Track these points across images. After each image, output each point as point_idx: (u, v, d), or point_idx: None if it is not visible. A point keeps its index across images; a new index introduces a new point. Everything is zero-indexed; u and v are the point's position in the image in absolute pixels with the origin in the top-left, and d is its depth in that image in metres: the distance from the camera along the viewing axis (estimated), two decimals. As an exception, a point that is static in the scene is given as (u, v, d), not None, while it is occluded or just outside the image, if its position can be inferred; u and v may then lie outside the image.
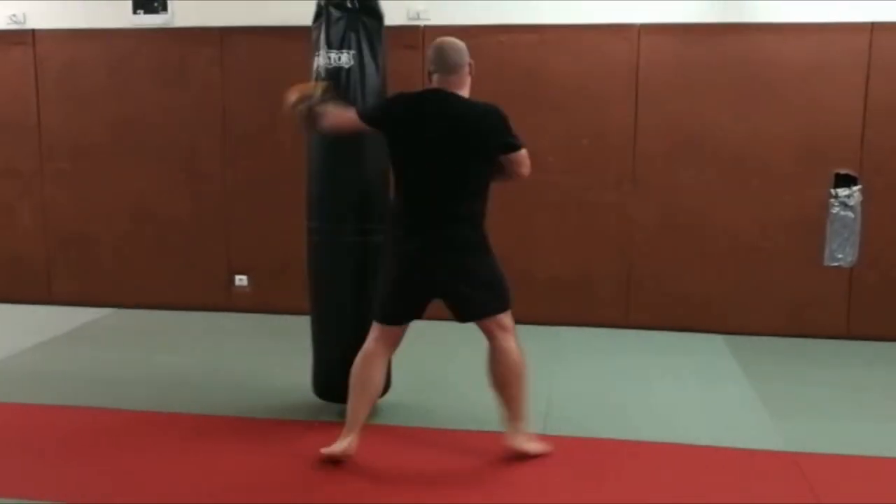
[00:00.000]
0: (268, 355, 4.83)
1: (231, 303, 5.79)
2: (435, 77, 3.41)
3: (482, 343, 3.49)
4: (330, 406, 3.88)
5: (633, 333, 5.42)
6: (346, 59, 3.74)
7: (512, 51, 5.43)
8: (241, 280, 5.84)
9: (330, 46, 3.75)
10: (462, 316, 3.45)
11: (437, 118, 3.32)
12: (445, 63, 3.39)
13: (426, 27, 5.42)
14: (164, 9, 5.75)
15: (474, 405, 3.99)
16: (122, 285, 5.97)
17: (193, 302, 5.83)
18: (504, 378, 3.44)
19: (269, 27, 5.62)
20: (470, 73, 3.45)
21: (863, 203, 5.19)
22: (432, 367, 4.68)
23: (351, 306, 3.80)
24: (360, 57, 3.76)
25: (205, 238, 5.86)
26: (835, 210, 5.22)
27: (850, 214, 5.20)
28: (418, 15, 5.44)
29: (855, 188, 5.18)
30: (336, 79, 3.70)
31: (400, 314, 3.47)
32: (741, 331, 5.37)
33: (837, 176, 5.20)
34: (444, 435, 3.76)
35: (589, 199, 5.48)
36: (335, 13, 3.77)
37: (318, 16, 3.89)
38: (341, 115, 3.46)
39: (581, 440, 3.71)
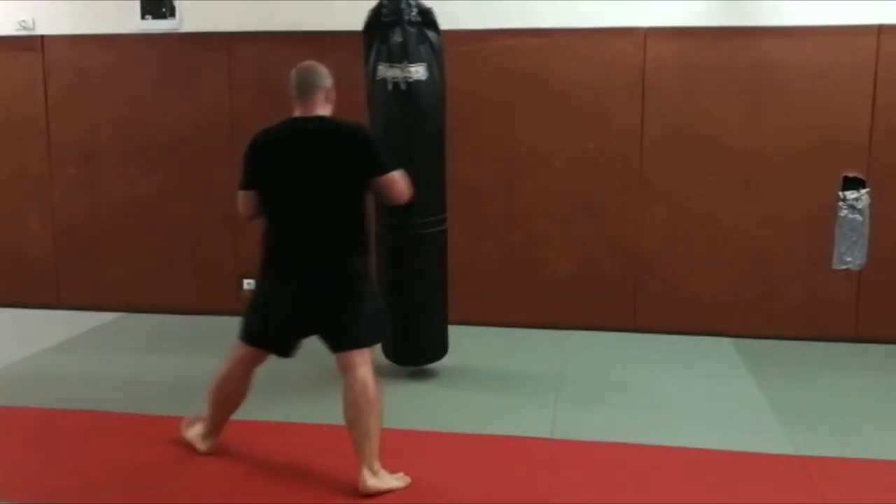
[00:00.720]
0: (275, 359, 4.82)
1: (239, 307, 5.74)
2: (295, 102, 3.31)
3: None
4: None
5: (641, 337, 5.41)
6: (422, 72, 4.09)
7: (519, 55, 5.43)
8: (249, 284, 5.84)
9: (409, 60, 4.06)
10: (336, 346, 3.28)
11: (300, 145, 3.23)
12: (301, 87, 3.28)
13: (433, 31, 5.43)
14: (172, 14, 5.77)
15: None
16: (130, 290, 5.99)
17: (202, 306, 5.84)
18: (360, 411, 3.20)
19: (276, 32, 5.63)
20: (329, 99, 3.30)
21: (871, 206, 5.18)
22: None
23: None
24: (430, 69, 4.12)
25: (213, 242, 5.87)
26: (843, 213, 5.20)
27: (859, 217, 5.19)
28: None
29: (863, 191, 5.17)
30: (416, 92, 4.08)
31: (271, 344, 3.39)
32: (749, 334, 5.36)
33: (846, 179, 5.19)
34: (438, 436, 3.76)
35: (596, 202, 5.47)
36: (408, 28, 4.07)
37: (372, 26, 4.13)
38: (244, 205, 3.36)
39: (588, 444, 3.71)
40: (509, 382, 4.57)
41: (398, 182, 3.28)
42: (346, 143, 3.23)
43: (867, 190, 5.17)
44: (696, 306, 5.45)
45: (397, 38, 4.06)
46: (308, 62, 3.36)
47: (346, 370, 3.24)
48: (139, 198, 5.94)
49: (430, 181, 4.21)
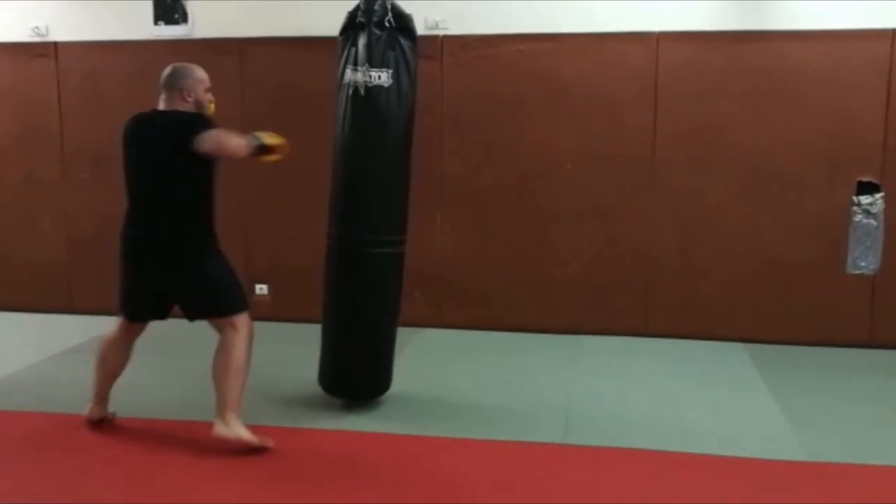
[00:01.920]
0: (288, 363, 4.83)
1: (251, 311, 5.80)
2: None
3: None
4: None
5: (653, 341, 5.40)
6: (385, 77, 3.85)
7: (530, 59, 5.43)
8: (261, 289, 5.87)
9: (371, 64, 3.85)
10: (188, 315, 3.69)
11: (140, 130, 3.70)
12: (162, 82, 3.70)
13: (445, 37, 5.44)
14: (185, 20, 5.80)
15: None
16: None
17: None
18: (219, 369, 3.59)
19: (287, 38, 5.65)
20: (186, 97, 3.65)
21: (885, 210, 5.15)
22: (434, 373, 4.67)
23: (365, 310, 4.00)
24: (397, 76, 3.87)
25: (225, 247, 5.82)
26: (857, 218, 5.18)
27: (873, 222, 5.15)
28: (437, 24, 5.46)
29: (878, 195, 5.14)
30: (376, 97, 3.84)
31: (134, 313, 3.80)
32: (762, 339, 5.33)
33: (860, 183, 5.16)
34: (452, 442, 3.76)
35: (607, 206, 5.46)
36: (375, 31, 3.86)
37: (347, 29, 3.98)
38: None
39: (600, 449, 3.70)
40: (521, 387, 4.55)
41: (211, 136, 3.53)
42: (170, 121, 3.61)
43: (882, 194, 5.14)
44: (708, 310, 5.43)
45: (363, 40, 3.89)
46: (180, 64, 3.76)
47: (219, 333, 3.69)
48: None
49: (382, 195, 3.95)
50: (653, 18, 5.29)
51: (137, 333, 3.88)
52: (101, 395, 3.91)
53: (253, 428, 3.62)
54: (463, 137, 5.51)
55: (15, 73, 6.03)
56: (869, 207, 5.16)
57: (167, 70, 3.71)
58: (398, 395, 4.31)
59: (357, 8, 3.98)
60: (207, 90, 3.75)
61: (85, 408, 3.90)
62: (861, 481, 3.41)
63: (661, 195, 5.40)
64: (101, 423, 3.91)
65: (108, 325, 5.70)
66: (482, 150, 5.53)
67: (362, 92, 3.86)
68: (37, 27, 5.95)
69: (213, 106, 3.78)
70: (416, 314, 5.64)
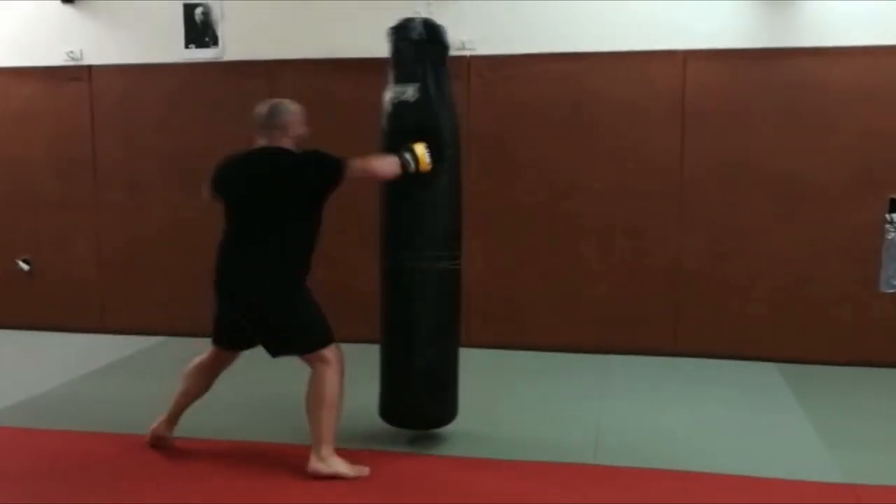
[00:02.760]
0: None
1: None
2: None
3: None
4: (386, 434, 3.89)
5: (683, 361, 5.35)
6: (411, 92, 3.79)
7: (557, 79, 5.44)
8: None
9: (396, 80, 3.82)
10: (270, 353, 3.65)
11: (241, 170, 3.70)
12: (261, 121, 3.69)
13: (471, 57, 5.46)
14: (215, 43, 5.88)
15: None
16: (174, 314, 6.05)
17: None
18: (312, 403, 3.54)
19: (317, 59, 5.71)
20: (288, 136, 3.61)
21: (919, 228, 5.09)
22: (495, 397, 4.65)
23: (432, 331, 3.84)
24: (425, 90, 3.78)
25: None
26: (890, 235, 5.11)
27: (906, 240, 5.10)
28: (463, 45, 5.47)
29: (910, 213, 5.08)
30: (398, 113, 3.79)
31: (222, 341, 3.82)
32: (795, 359, 5.27)
33: (892, 201, 5.10)
34: (481, 463, 3.73)
35: (636, 224, 5.44)
36: (403, 46, 3.83)
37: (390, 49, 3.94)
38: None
39: (631, 470, 3.66)
40: (550, 407, 4.53)
41: (361, 167, 3.57)
42: (272, 161, 3.59)
43: (915, 211, 5.08)
44: (738, 329, 5.37)
45: (394, 58, 3.88)
46: (277, 101, 3.74)
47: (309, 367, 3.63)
48: (182, 223, 6.02)
49: (424, 211, 3.81)
50: (680, 37, 5.28)
51: (226, 362, 3.86)
52: (173, 415, 3.86)
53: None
54: (490, 157, 5.52)
55: (50, 96, 6.14)
56: (902, 225, 5.11)
57: (263, 108, 3.69)
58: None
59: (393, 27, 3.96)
60: (303, 123, 3.71)
61: (153, 422, 3.88)
62: (898, 503, 3.36)
63: (690, 213, 5.37)
64: (160, 443, 3.86)
65: (138, 344, 5.81)
66: (510, 170, 5.53)
67: (389, 109, 3.86)
68: (71, 51, 6.06)
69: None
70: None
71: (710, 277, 5.39)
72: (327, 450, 3.51)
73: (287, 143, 3.61)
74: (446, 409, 3.92)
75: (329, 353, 3.54)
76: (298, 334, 3.55)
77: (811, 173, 5.20)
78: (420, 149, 3.63)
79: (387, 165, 3.61)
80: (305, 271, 3.63)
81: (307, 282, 3.65)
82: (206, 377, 3.85)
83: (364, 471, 3.56)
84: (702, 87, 5.28)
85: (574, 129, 5.44)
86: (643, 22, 5.33)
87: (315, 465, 3.51)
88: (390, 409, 3.92)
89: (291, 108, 3.69)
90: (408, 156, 3.61)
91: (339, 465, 3.51)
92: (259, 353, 3.69)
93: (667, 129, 5.34)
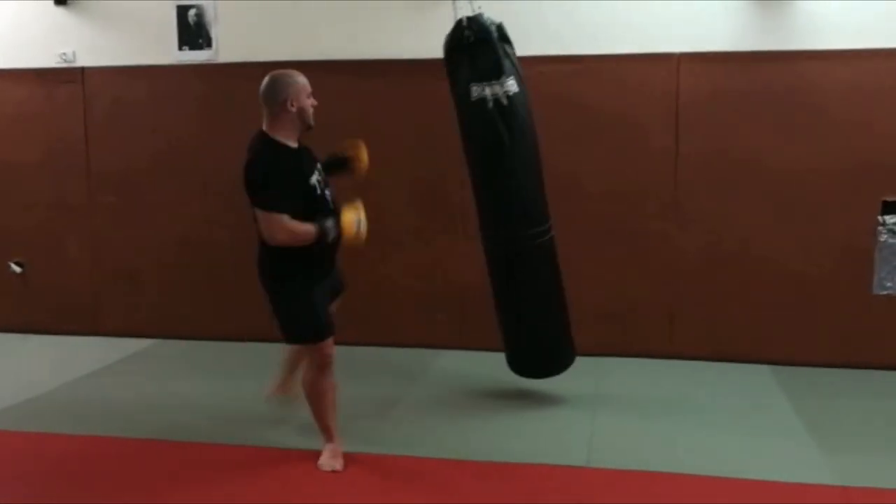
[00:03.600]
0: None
1: (275, 334, 5.82)
2: None
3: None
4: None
5: (678, 364, 5.35)
6: (516, 84, 4.18)
7: (552, 81, 5.43)
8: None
9: (505, 75, 4.13)
10: None
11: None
12: (261, 97, 3.62)
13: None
14: (209, 45, 5.87)
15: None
16: (168, 316, 6.04)
17: (238, 333, 5.87)
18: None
19: (311, 61, 5.69)
20: (287, 108, 3.56)
21: (912, 230, 5.11)
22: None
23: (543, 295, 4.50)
24: (518, 82, 4.21)
25: (249, 270, 5.80)
26: (883, 238, 5.13)
27: (899, 242, 5.11)
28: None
29: (903, 215, 5.10)
30: (514, 105, 4.17)
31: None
32: (788, 361, 5.27)
33: (885, 203, 5.12)
34: (474, 465, 3.74)
35: (631, 227, 5.44)
36: (497, 44, 4.17)
37: (456, 49, 4.21)
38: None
39: (625, 472, 3.67)
40: (544, 409, 4.53)
41: (263, 221, 3.53)
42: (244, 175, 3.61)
43: (908, 214, 5.10)
44: (732, 332, 5.38)
45: (490, 55, 4.13)
46: (277, 72, 3.69)
47: None
48: (177, 225, 6.01)
49: (536, 193, 4.35)
50: (674, 40, 5.29)
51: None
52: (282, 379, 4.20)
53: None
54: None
55: (43, 98, 6.11)
56: (895, 227, 5.11)
57: (265, 81, 3.63)
58: (417, 418, 4.30)
59: (460, 27, 4.19)
60: (310, 95, 3.66)
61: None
62: (891, 506, 3.37)
63: (684, 216, 5.37)
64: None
65: (132, 346, 5.80)
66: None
67: (504, 102, 4.13)
68: (64, 53, 6.05)
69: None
70: (439, 336, 5.65)
71: (704, 279, 5.40)
72: (326, 442, 3.74)
73: (286, 119, 3.58)
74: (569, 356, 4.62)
75: (316, 349, 3.67)
76: (285, 324, 3.69)
77: (804, 176, 5.21)
78: (349, 218, 3.55)
79: (298, 236, 3.50)
80: (305, 265, 3.61)
81: (319, 276, 3.70)
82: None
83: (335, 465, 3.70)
84: (696, 89, 5.28)
85: (568, 132, 5.44)
86: (637, 25, 5.33)
87: (323, 460, 3.72)
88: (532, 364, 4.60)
89: (287, 80, 3.61)
90: (329, 228, 3.53)
91: (324, 456, 3.72)
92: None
93: (661, 131, 5.34)
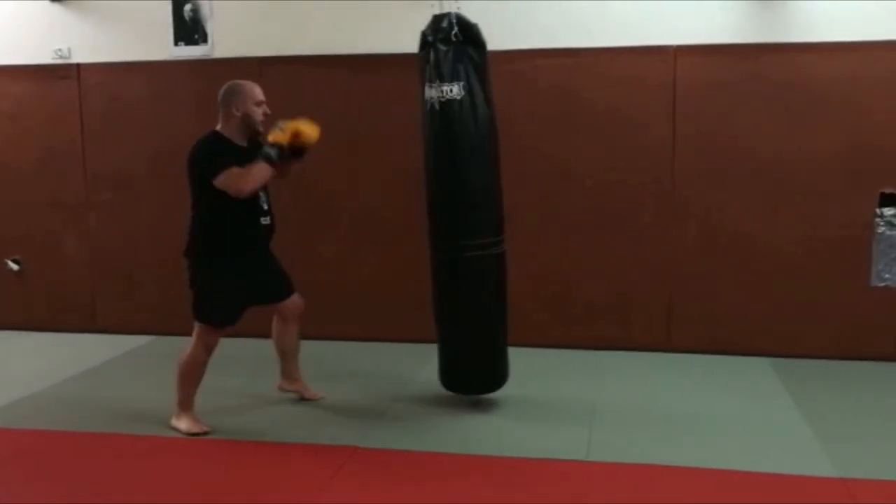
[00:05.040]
0: (310, 381, 4.84)
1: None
2: None
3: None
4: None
5: (676, 357, 5.35)
6: (456, 90, 4.02)
7: (548, 74, 5.43)
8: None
9: (442, 80, 4.02)
10: None
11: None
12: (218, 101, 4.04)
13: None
14: (205, 40, 5.85)
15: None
16: (165, 313, 6.03)
17: (236, 329, 5.84)
18: (177, 367, 4.10)
19: (307, 56, 5.69)
20: (232, 112, 4.00)
21: (910, 222, 5.11)
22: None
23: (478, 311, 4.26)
24: (469, 88, 4.04)
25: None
26: (881, 230, 5.13)
27: (897, 234, 5.11)
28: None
29: (901, 207, 5.10)
30: (446, 111, 4.03)
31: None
32: (787, 353, 5.28)
33: (883, 195, 5.11)
34: (473, 460, 3.73)
35: (628, 220, 5.44)
36: (442, 47, 4.03)
37: (422, 48, 4.13)
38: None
39: (625, 466, 3.67)
40: (543, 404, 4.53)
41: (223, 182, 3.84)
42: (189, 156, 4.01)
43: (905, 206, 5.09)
44: (731, 325, 5.38)
45: (436, 56, 4.05)
46: (234, 81, 4.09)
47: None
48: (173, 221, 5.96)
49: (473, 202, 4.15)
50: (670, 32, 5.28)
51: (278, 312, 4.45)
52: (284, 372, 4.55)
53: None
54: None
55: (38, 95, 6.10)
56: (892, 219, 5.11)
57: (222, 88, 4.05)
58: (417, 413, 4.30)
59: (427, 26, 4.13)
60: (259, 104, 4.03)
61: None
62: (891, 497, 3.36)
63: (681, 209, 5.37)
64: (299, 393, 4.56)
65: (130, 343, 5.79)
66: (502, 166, 5.52)
67: (437, 107, 4.04)
68: (59, 49, 6.03)
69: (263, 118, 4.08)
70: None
71: (702, 273, 5.39)
72: (178, 409, 4.07)
73: (233, 122, 4.01)
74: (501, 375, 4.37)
75: (203, 330, 4.04)
76: (196, 300, 4.07)
77: (802, 168, 5.20)
78: (275, 134, 3.90)
79: (256, 176, 3.86)
80: (223, 248, 4.01)
81: (239, 266, 4.06)
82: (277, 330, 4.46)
83: (199, 428, 4.03)
84: (693, 82, 5.28)
85: (565, 125, 5.44)
86: (634, 18, 5.32)
87: (171, 419, 4.09)
88: (458, 379, 4.37)
89: (243, 89, 4.03)
90: (269, 150, 3.86)
91: (182, 424, 4.05)
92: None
93: (658, 124, 5.34)
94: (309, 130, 3.97)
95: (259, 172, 3.84)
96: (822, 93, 5.13)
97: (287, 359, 4.50)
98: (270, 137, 3.91)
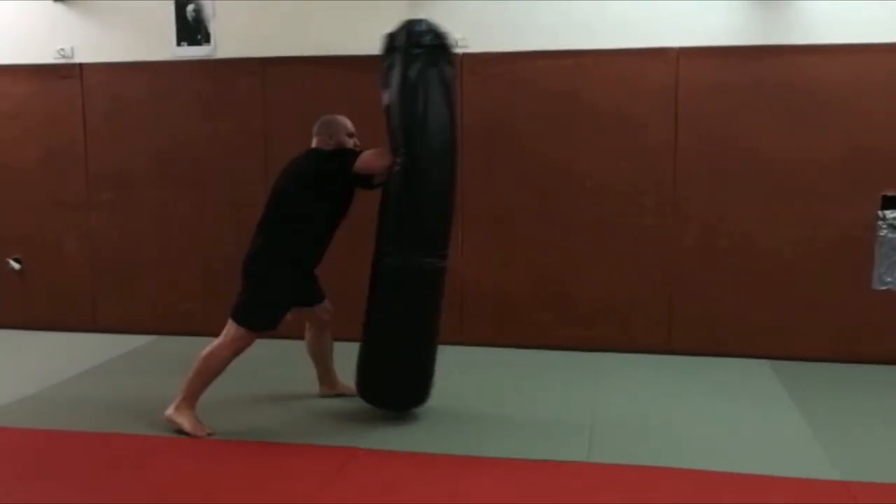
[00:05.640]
0: (310, 382, 4.83)
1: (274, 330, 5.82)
2: None
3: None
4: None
5: (676, 359, 5.34)
6: (386, 98, 4.03)
7: (550, 76, 5.43)
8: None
9: (384, 86, 4.01)
10: None
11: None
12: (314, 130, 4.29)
13: (465, 54, 5.44)
14: (207, 41, 5.86)
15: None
16: (165, 313, 6.04)
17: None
18: (196, 359, 4.08)
19: (308, 57, 5.70)
20: (326, 141, 4.21)
21: (911, 225, 5.10)
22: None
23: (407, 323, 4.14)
24: (398, 95, 3.95)
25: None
26: (883, 232, 5.12)
27: (899, 237, 5.11)
28: (457, 42, 5.46)
29: (903, 210, 5.09)
30: (391, 116, 4.00)
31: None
32: (788, 356, 5.28)
33: (885, 198, 5.11)
34: (474, 461, 3.73)
35: (629, 222, 5.44)
36: (386, 55, 4.01)
37: (386, 53, 4.06)
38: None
39: (624, 467, 3.66)
40: (543, 405, 4.53)
41: (366, 157, 4.03)
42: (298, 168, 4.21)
43: (907, 209, 5.09)
44: (732, 327, 5.38)
45: (385, 63, 4.04)
46: (328, 117, 4.30)
47: None
48: (174, 221, 6.00)
49: (398, 212, 4.01)
50: (673, 34, 5.28)
51: (311, 318, 4.50)
52: (321, 375, 4.59)
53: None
54: (483, 154, 5.51)
55: (41, 94, 6.10)
56: (894, 222, 5.11)
57: (319, 119, 4.30)
58: (419, 413, 4.29)
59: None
60: (350, 136, 4.24)
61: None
62: (891, 499, 3.36)
63: (683, 211, 5.37)
64: (340, 393, 4.58)
65: (131, 343, 5.78)
66: (502, 167, 5.53)
67: (386, 113, 4.03)
68: (62, 49, 6.03)
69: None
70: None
71: (703, 274, 5.39)
72: (183, 403, 4.04)
73: (327, 148, 4.21)
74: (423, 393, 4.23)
75: (237, 332, 4.02)
76: (245, 302, 4.09)
77: (804, 170, 5.20)
78: None
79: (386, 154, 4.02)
80: (303, 258, 4.13)
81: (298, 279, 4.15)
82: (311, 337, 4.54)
83: (203, 431, 3.99)
84: (695, 84, 5.28)
85: (567, 126, 5.44)
86: (636, 19, 5.32)
87: (169, 411, 4.05)
88: (376, 391, 4.23)
89: (332, 120, 4.28)
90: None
91: (185, 421, 4.00)
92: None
93: (660, 126, 5.34)
94: None
95: (385, 152, 4.02)
96: (824, 95, 5.13)
97: (323, 363, 4.56)
98: None
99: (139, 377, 5.08)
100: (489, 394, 4.70)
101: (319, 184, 4.04)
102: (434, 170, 4.01)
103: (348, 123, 4.26)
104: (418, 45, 3.94)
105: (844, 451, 3.81)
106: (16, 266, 6.25)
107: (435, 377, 4.25)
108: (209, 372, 4.06)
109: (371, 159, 4.01)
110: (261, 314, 4.05)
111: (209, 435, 4.00)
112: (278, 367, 5.08)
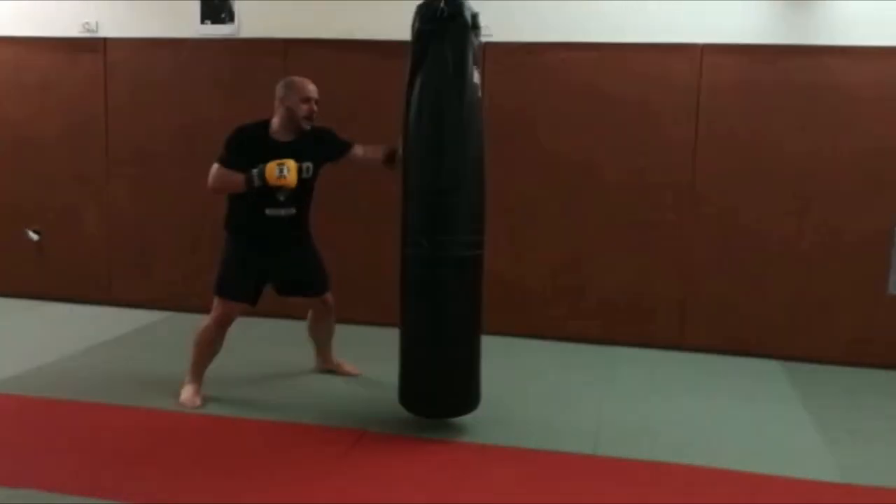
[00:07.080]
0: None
1: (287, 310, 5.84)
2: None
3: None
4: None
5: (689, 356, 5.34)
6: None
7: (573, 68, 5.41)
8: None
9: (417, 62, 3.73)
10: None
11: None
12: None
13: (488, 44, 5.42)
14: (231, 20, 5.86)
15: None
16: (181, 289, 6.07)
17: (249, 308, 5.88)
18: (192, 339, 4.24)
19: (332, 40, 5.70)
20: (280, 105, 4.14)
21: (930, 231, 5.07)
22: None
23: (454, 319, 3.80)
24: (429, 75, 3.72)
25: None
26: (901, 237, 5.10)
27: (917, 242, 5.07)
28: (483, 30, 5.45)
29: (922, 215, 5.05)
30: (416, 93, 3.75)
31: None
32: (799, 357, 5.26)
33: (905, 202, 5.08)
34: (481, 449, 3.74)
35: (647, 217, 5.42)
36: (423, 25, 3.73)
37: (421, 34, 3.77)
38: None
39: (632, 462, 3.67)
40: (554, 396, 4.54)
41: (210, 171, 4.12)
42: None
43: (927, 214, 5.05)
44: (745, 326, 5.36)
45: (412, 36, 3.80)
46: (287, 78, 4.23)
47: None
48: (192, 199, 6.02)
49: (421, 200, 3.74)
50: (697, 30, 5.25)
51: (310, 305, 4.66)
52: (319, 351, 4.78)
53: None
54: (504, 145, 5.48)
55: (64, 68, 6.13)
56: (914, 227, 5.08)
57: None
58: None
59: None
60: (305, 101, 4.10)
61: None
62: (897, 505, 3.36)
63: (701, 208, 5.35)
64: (335, 370, 4.75)
65: (145, 318, 5.83)
66: (521, 158, 5.52)
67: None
68: (87, 22, 6.06)
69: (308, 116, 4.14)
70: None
71: (718, 272, 5.38)
72: (188, 378, 4.19)
73: (279, 114, 4.14)
74: (470, 397, 3.88)
75: (217, 302, 4.19)
76: (217, 271, 4.25)
77: (824, 172, 5.17)
78: (271, 167, 3.93)
79: (221, 182, 4.11)
80: (238, 227, 4.25)
81: (254, 246, 4.22)
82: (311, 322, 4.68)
83: (192, 404, 4.11)
84: (718, 81, 5.25)
85: (588, 120, 5.42)
86: (661, 14, 5.29)
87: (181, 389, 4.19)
88: (418, 398, 3.87)
89: (286, 82, 4.17)
90: (255, 175, 3.95)
91: (183, 392, 4.16)
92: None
93: (681, 122, 5.31)
94: (287, 182, 3.96)
95: (227, 181, 4.06)
96: (849, 97, 5.09)
97: (319, 346, 4.75)
98: (269, 165, 3.94)
99: (153, 353, 5.11)
100: (499, 383, 4.68)
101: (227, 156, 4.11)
102: (480, 156, 3.83)
103: (308, 87, 4.12)
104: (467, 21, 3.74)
105: (852, 454, 3.81)
106: (34, 237, 6.31)
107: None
108: (201, 344, 4.21)
109: (209, 175, 4.13)
110: (222, 281, 4.21)
111: (197, 408, 4.09)
112: (285, 346, 5.11)
